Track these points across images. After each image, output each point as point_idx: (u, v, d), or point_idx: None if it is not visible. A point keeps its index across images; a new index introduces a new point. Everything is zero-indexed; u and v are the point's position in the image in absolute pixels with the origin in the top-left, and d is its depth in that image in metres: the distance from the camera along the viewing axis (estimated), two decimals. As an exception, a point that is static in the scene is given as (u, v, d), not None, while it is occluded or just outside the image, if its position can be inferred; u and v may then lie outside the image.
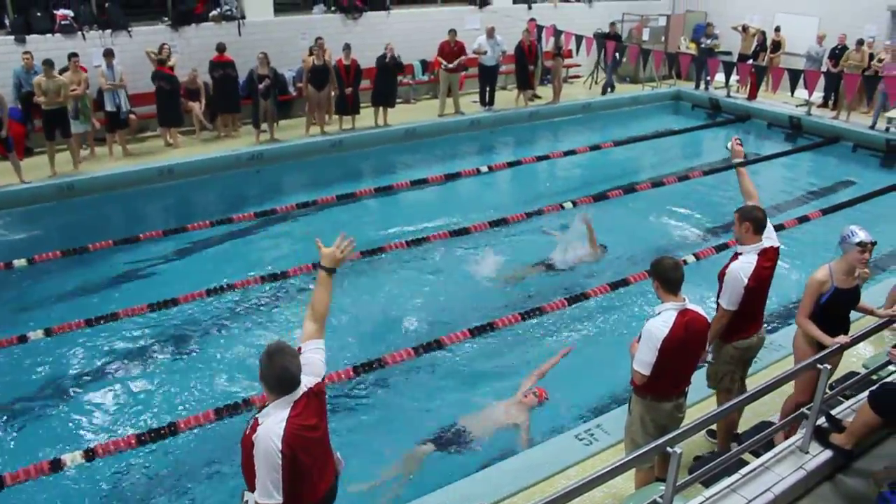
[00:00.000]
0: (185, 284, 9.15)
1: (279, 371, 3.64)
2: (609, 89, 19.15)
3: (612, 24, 18.18)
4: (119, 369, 7.76)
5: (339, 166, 14.05)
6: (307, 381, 3.79)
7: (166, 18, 14.78)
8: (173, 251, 10.46)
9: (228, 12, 15.31)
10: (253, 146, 13.93)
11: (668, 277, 4.78)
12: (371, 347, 8.07)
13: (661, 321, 4.74)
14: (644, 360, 4.76)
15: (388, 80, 15.19)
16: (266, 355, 3.68)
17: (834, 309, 5.50)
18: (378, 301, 9.20)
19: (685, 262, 9.85)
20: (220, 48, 13.99)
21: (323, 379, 3.93)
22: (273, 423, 3.60)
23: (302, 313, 8.84)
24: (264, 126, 14.10)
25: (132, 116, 13.72)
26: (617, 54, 17.60)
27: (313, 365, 3.92)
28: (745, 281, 5.33)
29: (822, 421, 5.56)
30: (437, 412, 7.04)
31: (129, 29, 14.22)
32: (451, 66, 15.91)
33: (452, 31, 15.92)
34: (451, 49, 15.90)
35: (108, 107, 12.88)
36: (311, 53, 14.54)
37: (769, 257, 5.48)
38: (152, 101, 13.81)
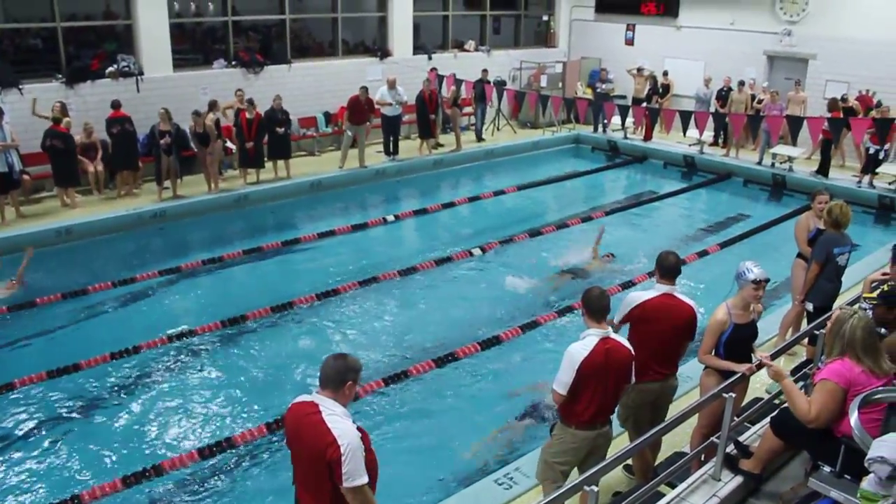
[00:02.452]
0: (87, 348, 8.79)
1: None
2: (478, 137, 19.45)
3: (485, 70, 18.63)
4: (16, 441, 7.35)
5: (244, 221, 13.88)
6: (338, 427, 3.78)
7: (60, 75, 14.41)
8: (73, 314, 10.03)
9: (126, 68, 15.03)
10: (155, 203, 13.61)
11: (592, 306, 4.99)
12: (281, 401, 7.93)
13: (581, 345, 4.92)
14: (562, 380, 4.91)
15: (277, 134, 15.05)
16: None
17: (736, 345, 5.69)
18: (289, 356, 9.07)
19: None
20: (115, 104, 13.69)
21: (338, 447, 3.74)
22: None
23: (210, 371, 8.69)
24: (167, 183, 13.82)
25: (25, 177, 13.23)
26: (493, 99, 18.00)
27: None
28: (633, 304, 5.60)
29: (731, 448, 5.73)
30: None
31: (21, 87, 13.79)
32: (359, 125, 15.85)
33: (364, 88, 15.81)
34: (363, 106, 15.79)
35: (0, 167, 12.38)
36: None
37: (666, 303, 5.63)
38: (47, 161, 13.33)
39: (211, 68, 16.52)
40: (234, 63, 16.73)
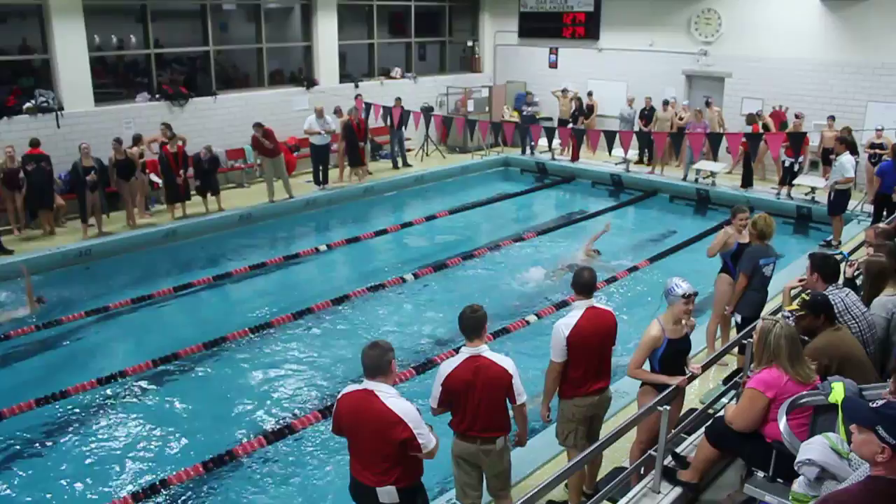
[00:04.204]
0: (10, 397, 8.42)
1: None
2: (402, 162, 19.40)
3: (398, 99, 18.69)
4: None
5: (174, 257, 13.60)
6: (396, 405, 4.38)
7: (-26, 113, 13.96)
8: (-5, 361, 9.67)
9: (44, 104, 14.65)
10: (80, 242, 13.23)
11: (462, 324, 5.16)
12: (217, 439, 7.80)
13: (450, 362, 5.17)
14: (432, 393, 5.18)
15: (206, 176, 14.84)
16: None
17: (670, 360, 5.82)
18: (223, 392, 8.91)
19: (527, 321, 10.20)
20: (34, 142, 13.33)
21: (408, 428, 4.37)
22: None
23: (142, 413, 8.45)
24: (92, 220, 13.47)
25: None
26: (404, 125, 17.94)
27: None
28: (567, 333, 5.62)
29: (669, 460, 5.82)
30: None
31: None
32: (269, 145, 15.48)
33: (257, 125, 15.45)
34: (260, 141, 15.47)
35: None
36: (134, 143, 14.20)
37: (593, 316, 5.72)
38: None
39: (134, 102, 16.24)
40: (157, 96, 16.48)
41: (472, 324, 5.10)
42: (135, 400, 8.69)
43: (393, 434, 4.33)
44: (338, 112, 16.88)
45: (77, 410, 8.43)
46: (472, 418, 5.13)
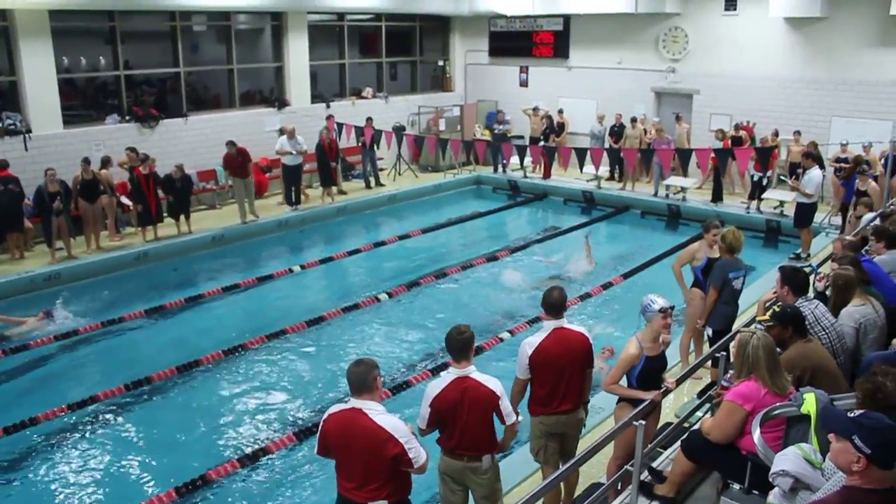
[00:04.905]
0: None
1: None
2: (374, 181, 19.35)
3: (369, 119, 18.72)
4: None
5: (145, 279, 13.43)
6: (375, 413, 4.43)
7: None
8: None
9: (12, 126, 14.47)
10: (49, 266, 13.06)
11: (448, 346, 5.19)
12: (191, 463, 7.70)
13: (437, 383, 5.16)
14: (421, 414, 5.15)
15: (179, 196, 14.81)
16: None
17: (648, 376, 5.85)
18: (196, 416, 8.81)
19: (501, 339, 10.21)
20: (2, 164, 13.12)
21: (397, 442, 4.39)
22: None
23: (115, 439, 8.34)
24: (60, 244, 13.30)
25: None
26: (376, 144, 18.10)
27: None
28: (530, 353, 5.66)
29: (645, 475, 5.83)
30: None
31: None
32: (242, 178, 15.55)
33: (230, 143, 15.40)
34: (237, 159, 15.45)
35: None
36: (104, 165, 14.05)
37: (560, 338, 5.73)
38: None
39: (104, 124, 16.10)
40: (127, 118, 16.36)
41: (460, 345, 5.09)
42: (107, 425, 8.56)
43: (384, 450, 4.36)
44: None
45: (47, 437, 8.29)
46: (459, 437, 5.13)
